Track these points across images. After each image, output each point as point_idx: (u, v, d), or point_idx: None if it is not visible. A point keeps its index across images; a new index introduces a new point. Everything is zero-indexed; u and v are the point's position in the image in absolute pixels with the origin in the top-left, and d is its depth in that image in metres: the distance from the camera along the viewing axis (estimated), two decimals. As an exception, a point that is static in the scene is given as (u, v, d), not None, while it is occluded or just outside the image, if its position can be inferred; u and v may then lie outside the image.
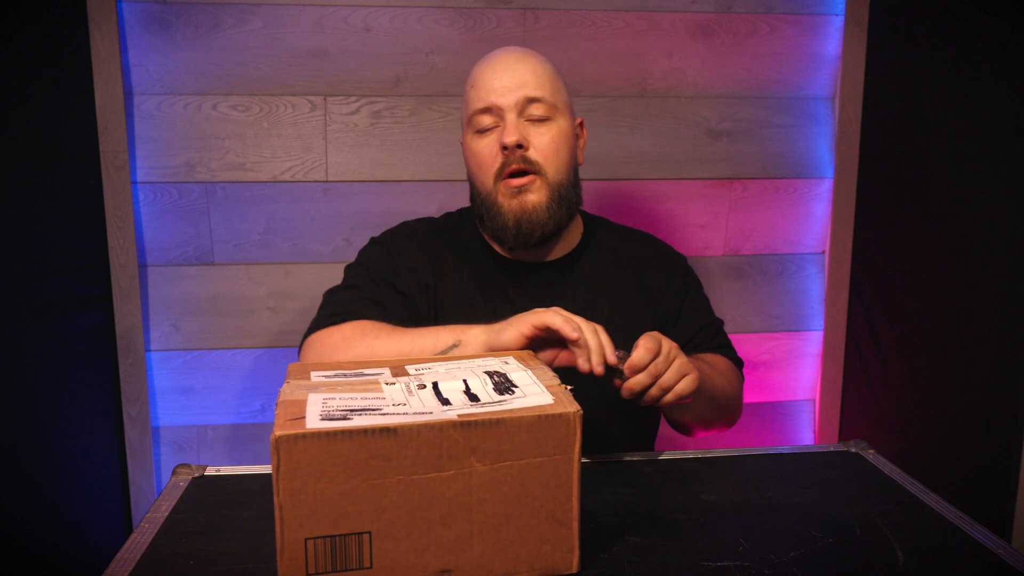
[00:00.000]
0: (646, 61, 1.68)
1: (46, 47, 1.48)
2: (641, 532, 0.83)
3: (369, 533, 0.69)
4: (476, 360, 0.86)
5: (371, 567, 0.70)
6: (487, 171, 1.14)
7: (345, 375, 0.82)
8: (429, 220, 1.29)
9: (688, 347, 1.25)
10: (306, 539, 0.68)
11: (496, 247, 1.22)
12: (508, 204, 1.13)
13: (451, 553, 0.71)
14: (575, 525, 0.74)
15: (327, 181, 1.64)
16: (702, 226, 1.75)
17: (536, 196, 1.13)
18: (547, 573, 0.74)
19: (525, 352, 0.90)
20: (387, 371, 0.83)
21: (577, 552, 0.74)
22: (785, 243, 1.78)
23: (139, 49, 1.55)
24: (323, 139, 1.62)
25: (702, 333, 1.26)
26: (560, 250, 1.22)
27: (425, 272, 1.19)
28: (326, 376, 0.82)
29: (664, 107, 1.70)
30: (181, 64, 1.56)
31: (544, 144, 1.13)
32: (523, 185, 1.13)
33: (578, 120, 1.23)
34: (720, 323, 1.30)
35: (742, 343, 1.81)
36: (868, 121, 1.72)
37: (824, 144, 1.75)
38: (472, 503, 0.71)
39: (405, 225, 1.27)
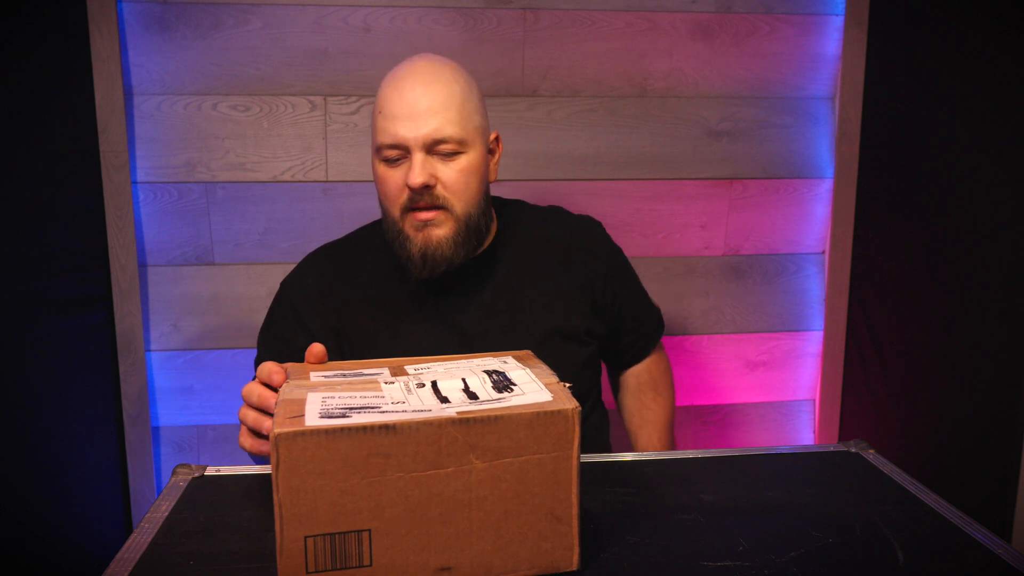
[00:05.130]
0: (646, 61, 1.68)
1: (46, 47, 1.48)
2: (641, 532, 0.83)
3: (369, 531, 0.69)
4: (475, 359, 0.86)
5: (371, 565, 0.70)
6: (393, 202, 1.13)
7: (344, 375, 0.82)
8: (334, 250, 1.28)
9: (628, 350, 1.35)
10: (306, 537, 0.68)
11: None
12: (414, 236, 1.12)
13: (451, 550, 0.71)
14: (575, 522, 0.74)
15: (327, 181, 1.64)
16: (702, 226, 1.75)
17: (442, 231, 1.12)
18: (547, 570, 0.74)
19: (524, 352, 0.90)
20: (386, 370, 0.83)
21: (577, 549, 0.74)
22: (785, 243, 1.78)
23: (139, 49, 1.55)
24: (323, 139, 1.62)
25: (638, 328, 1.33)
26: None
27: (331, 315, 1.19)
28: (325, 376, 0.82)
29: (664, 107, 1.70)
30: (181, 64, 1.56)
31: (452, 180, 1.11)
32: (429, 219, 1.11)
33: (493, 135, 1.20)
34: (643, 294, 1.36)
35: (742, 343, 1.81)
36: (868, 121, 1.72)
37: (824, 144, 1.76)
38: (471, 500, 0.70)
39: (311, 263, 1.26)
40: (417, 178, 1.09)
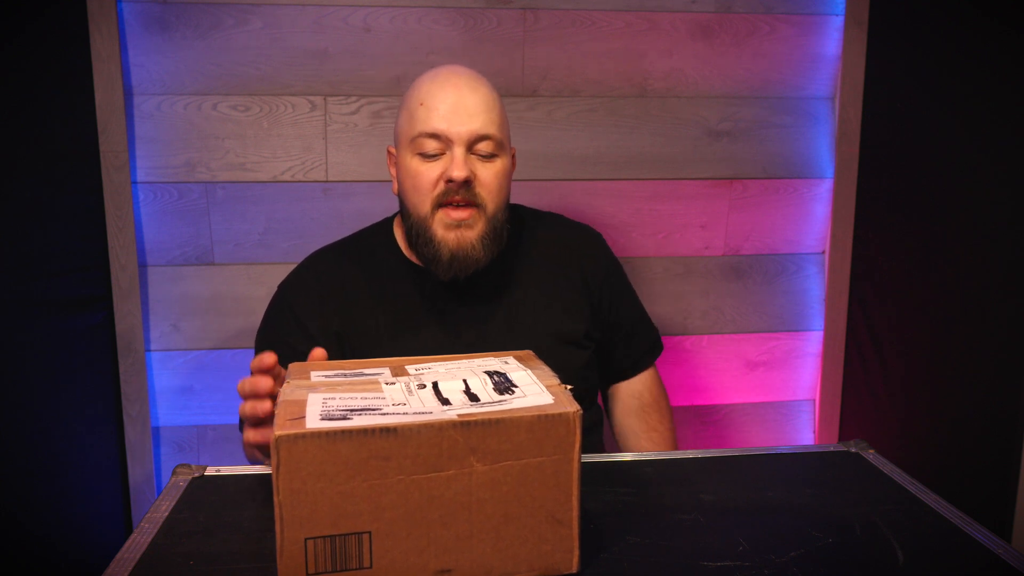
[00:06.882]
0: (646, 61, 1.68)
1: (46, 47, 1.48)
2: (641, 532, 0.83)
3: (369, 533, 0.69)
4: (476, 360, 0.86)
5: (371, 567, 0.70)
6: (424, 196, 1.12)
7: (345, 375, 0.82)
8: (338, 250, 1.27)
9: (621, 361, 1.34)
10: (306, 539, 0.68)
11: (412, 260, 1.22)
12: (444, 235, 1.12)
13: (451, 553, 0.71)
14: (575, 525, 0.74)
15: (327, 181, 1.64)
16: (702, 226, 1.75)
17: (474, 232, 1.12)
18: (547, 573, 0.74)
19: (525, 352, 0.90)
20: (387, 370, 0.83)
21: (577, 552, 0.74)
22: (785, 243, 1.78)
23: (139, 49, 1.55)
24: (323, 139, 1.62)
25: (632, 341, 1.32)
26: None
27: (332, 317, 1.19)
28: (326, 376, 0.82)
29: (664, 107, 1.70)
30: (181, 64, 1.56)
31: (489, 180, 1.13)
32: (463, 219, 1.12)
33: (512, 151, 1.22)
34: (641, 309, 1.36)
35: (742, 343, 1.81)
36: (868, 121, 1.72)
37: (824, 144, 1.75)
38: (472, 503, 0.71)
39: (311, 264, 1.26)
40: (461, 171, 1.09)
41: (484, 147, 1.12)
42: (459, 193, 1.11)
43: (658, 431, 1.34)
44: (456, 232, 1.12)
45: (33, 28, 1.46)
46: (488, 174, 1.13)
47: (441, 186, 1.11)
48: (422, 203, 1.13)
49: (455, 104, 1.11)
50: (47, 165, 1.50)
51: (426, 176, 1.12)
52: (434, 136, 1.11)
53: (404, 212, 1.18)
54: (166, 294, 1.62)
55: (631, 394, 1.35)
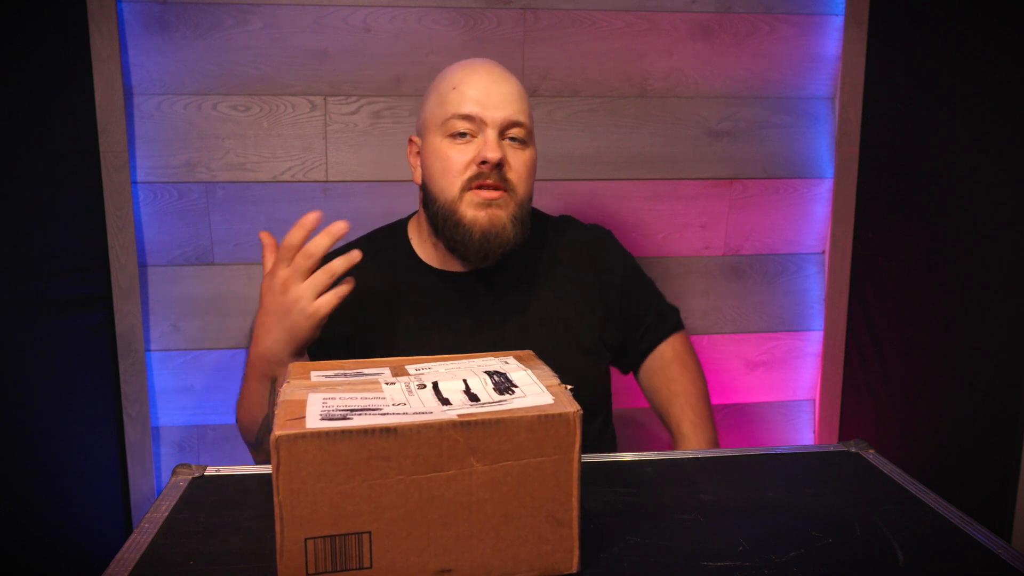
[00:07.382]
0: (646, 61, 1.68)
1: (46, 47, 1.48)
2: (641, 532, 0.83)
3: (369, 533, 0.69)
4: (476, 359, 0.86)
5: (371, 567, 0.70)
6: (454, 178, 1.12)
7: (345, 375, 0.82)
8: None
9: (644, 338, 1.32)
10: (306, 539, 0.68)
11: (428, 261, 1.21)
12: (475, 215, 1.11)
13: (451, 553, 0.71)
14: (575, 525, 0.74)
15: (327, 181, 1.64)
16: (702, 226, 1.75)
17: (505, 212, 1.12)
18: (547, 573, 0.74)
19: (526, 352, 0.90)
20: (387, 370, 0.83)
21: (577, 552, 0.74)
22: (785, 243, 1.78)
23: (139, 49, 1.55)
24: (323, 139, 1.62)
25: (657, 326, 1.32)
26: None
27: (345, 322, 1.16)
28: (326, 376, 0.82)
29: (664, 107, 1.70)
30: (181, 64, 1.56)
31: (519, 166, 1.13)
32: (494, 199, 1.11)
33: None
34: (658, 293, 1.35)
35: (742, 343, 1.81)
36: (868, 121, 1.72)
37: (824, 144, 1.76)
38: (472, 503, 0.70)
39: None
40: (495, 153, 1.09)
41: (515, 133, 1.13)
42: (490, 176, 1.10)
43: (678, 381, 1.29)
44: (488, 211, 1.11)
45: (33, 28, 1.46)
46: (519, 161, 1.13)
47: (472, 169, 1.11)
48: (451, 185, 1.12)
49: (488, 89, 1.12)
50: (47, 165, 1.50)
51: (456, 158, 1.12)
52: (467, 118, 1.11)
53: (428, 199, 1.16)
54: (166, 294, 1.62)
55: (655, 356, 1.33)
